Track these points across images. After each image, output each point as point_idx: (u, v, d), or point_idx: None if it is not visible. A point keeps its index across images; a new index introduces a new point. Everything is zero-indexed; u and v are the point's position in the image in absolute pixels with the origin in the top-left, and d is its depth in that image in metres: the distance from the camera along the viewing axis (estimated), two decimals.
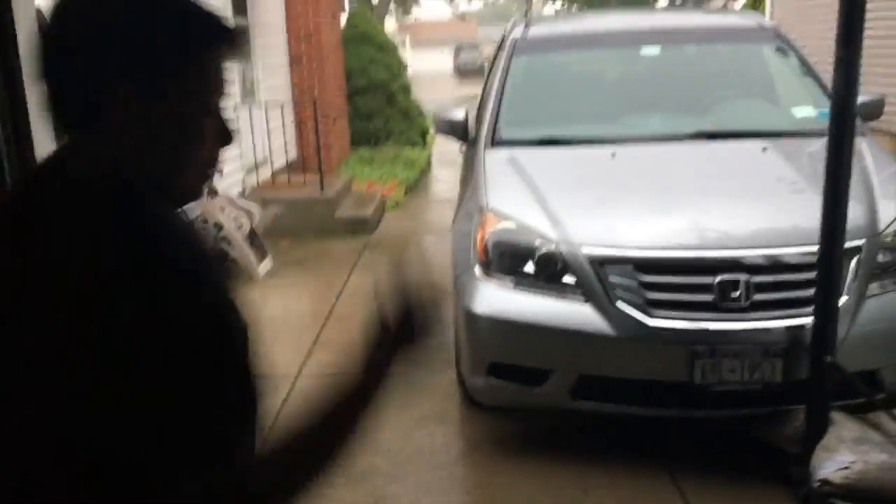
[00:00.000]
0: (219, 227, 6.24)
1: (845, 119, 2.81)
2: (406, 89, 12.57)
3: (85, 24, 0.93)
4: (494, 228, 3.49)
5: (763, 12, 14.38)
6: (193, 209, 6.14)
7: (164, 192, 1.00)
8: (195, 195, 1.06)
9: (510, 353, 3.36)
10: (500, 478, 3.37)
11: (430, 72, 36.49)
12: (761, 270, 3.15)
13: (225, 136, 1.03)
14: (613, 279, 3.19)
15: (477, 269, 3.47)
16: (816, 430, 3.00)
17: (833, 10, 2.88)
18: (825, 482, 2.83)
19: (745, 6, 17.15)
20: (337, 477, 3.41)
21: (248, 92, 8.25)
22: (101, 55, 0.92)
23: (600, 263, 3.22)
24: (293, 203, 7.64)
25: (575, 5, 32.92)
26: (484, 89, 5.03)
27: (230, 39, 0.98)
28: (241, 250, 6.30)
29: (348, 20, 12.42)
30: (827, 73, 3.27)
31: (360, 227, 7.74)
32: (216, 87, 1.00)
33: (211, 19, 0.97)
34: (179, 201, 1.05)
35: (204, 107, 0.98)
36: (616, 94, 4.66)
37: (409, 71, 14.08)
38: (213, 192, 6.47)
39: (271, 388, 3.48)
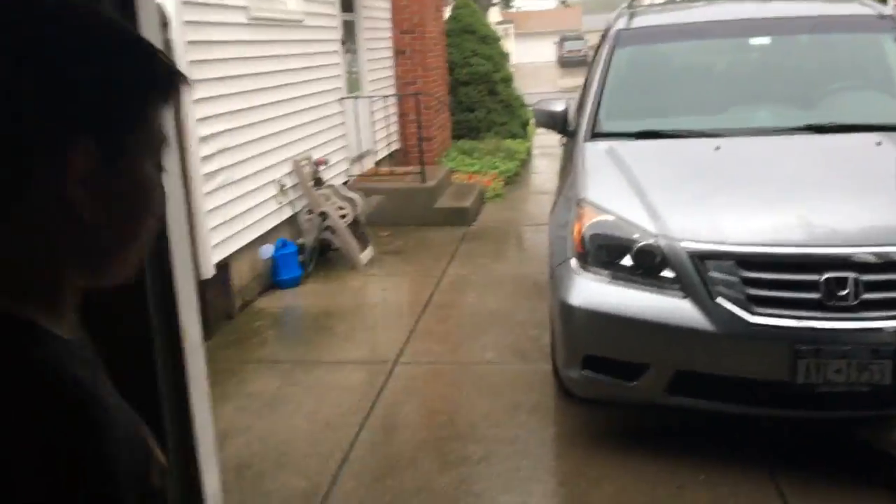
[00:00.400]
0: (324, 215, 6.44)
1: None
2: (508, 81, 12.57)
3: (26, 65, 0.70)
4: (592, 221, 3.49)
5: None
6: (300, 199, 6.37)
7: (97, 278, 0.81)
8: (127, 278, 0.85)
9: (606, 346, 3.35)
10: (592, 470, 3.37)
11: (532, 62, 36.25)
12: (871, 269, 3.04)
13: (164, 200, 0.83)
14: (714, 274, 3.14)
15: (573, 262, 3.48)
16: None
17: None
18: None
19: None
20: (430, 462, 3.50)
21: (353, 85, 8.44)
22: (52, 103, 0.70)
23: (701, 258, 3.18)
24: (394, 193, 7.80)
25: None
26: (586, 81, 5.00)
27: (179, 84, 0.81)
28: (345, 239, 6.49)
29: (452, 13, 12.50)
30: None
31: (460, 217, 7.82)
32: (162, 140, 0.82)
33: (167, 61, 0.80)
34: (109, 284, 0.84)
35: (158, 165, 0.82)
36: (722, 85, 4.55)
37: (512, 62, 14.06)
38: (320, 182, 6.68)
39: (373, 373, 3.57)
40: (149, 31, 2.45)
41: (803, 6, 5.03)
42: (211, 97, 5.14)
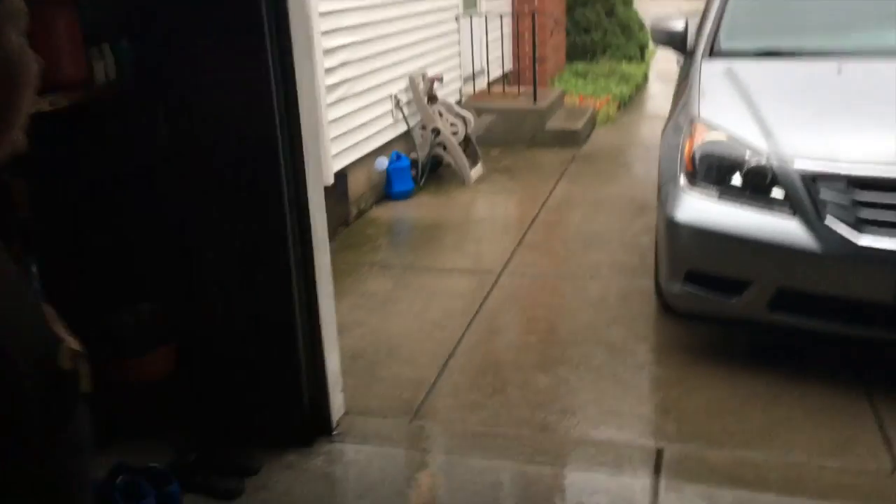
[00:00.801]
0: (436, 132, 6.61)
1: None
2: (628, 2, 12.24)
3: None
4: (704, 139, 3.52)
5: None
6: (414, 114, 6.54)
7: None
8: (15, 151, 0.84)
9: (710, 261, 3.43)
10: (687, 380, 3.50)
11: None
12: None
13: (37, 72, 0.82)
14: (825, 195, 3.15)
15: (682, 179, 3.53)
16: None
17: None
18: None
19: None
20: (531, 362, 3.70)
21: (469, 2, 8.46)
22: None
23: (812, 179, 3.18)
24: (506, 113, 7.87)
25: None
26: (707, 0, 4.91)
27: None
28: (456, 155, 6.66)
29: None
30: None
31: (570, 139, 7.85)
32: (21, 10, 0.81)
33: None
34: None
35: (23, 35, 0.80)
36: (845, 5, 4.39)
37: None
38: (433, 99, 6.83)
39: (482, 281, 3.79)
40: None
41: None
42: (334, 11, 5.32)
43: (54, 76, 2.54)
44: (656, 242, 3.90)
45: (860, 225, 3.08)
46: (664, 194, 3.67)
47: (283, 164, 2.85)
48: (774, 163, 3.28)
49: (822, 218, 3.14)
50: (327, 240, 3.18)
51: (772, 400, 3.30)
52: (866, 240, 3.07)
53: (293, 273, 2.98)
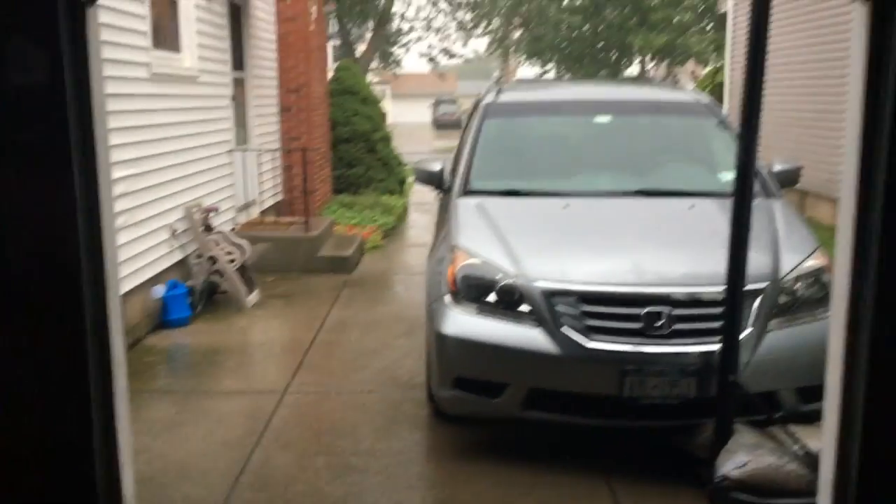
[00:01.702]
0: (213, 260, 6.83)
1: (745, 185, 3.51)
2: (386, 140, 13.30)
3: None
4: (463, 263, 4.14)
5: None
6: (190, 243, 6.74)
7: None
8: None
9: (473, 368, 3.98)
10: (459, 476, 3.95)
11: (409, 123, 37.44)
12: (682, 304, 3.82)
13: None
14: (560, 308, 3.84)
15: (447, 298, 4.10)
16: (722, 438, 3.64)
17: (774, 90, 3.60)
18: (725, 478, 3.46)
19: (702, 82, 18.33)
20: (319, 474, 3.98)
21: (242, 138, 8.90)
22: None
23: (550, 295, 3.87)
24: (280, 241, 8.25)
25: (549, 66, 34.23)
26: (459, 144, 5.72)
27: None
28: (233, 282, 6.89)
29: (336, 74, 13.18)
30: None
31: (341, 265, 8.35)
32: None
33: None
34: None
35: None
36: (571, 154, 5.38)
37: (390, 122, 14.84)
38: (209, 228, 7.07)
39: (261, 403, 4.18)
40: None
41: (641, 92, 5.99)
42: (115, 145, 5.51)
43: None
44: (427, 354, 4.41)
45: (588, 331, 3.79)
46: (432, 311, 4.21)
47: (84, 287, 3.02)
48: (521, 282, 3.94)
49: (559, 327, 3.82)
50: (125, 357, 3.32)
51: (529, 488, 3.83)
52: (593, 343, 3.77)
53: (91, 390, 3.10)
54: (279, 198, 10.02)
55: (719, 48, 19.70)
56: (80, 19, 3.16)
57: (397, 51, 29.86)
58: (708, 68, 24.24)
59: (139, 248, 6.01)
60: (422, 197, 12.18)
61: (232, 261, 6.99)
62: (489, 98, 5.64)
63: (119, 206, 5.63)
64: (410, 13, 31.04)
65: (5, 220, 2.92)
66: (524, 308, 3.92)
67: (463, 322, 3.99)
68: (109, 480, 3.27)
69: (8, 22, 3.03)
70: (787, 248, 4.15)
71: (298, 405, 4.89)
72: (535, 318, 3.88)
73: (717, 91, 15.41)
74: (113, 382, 3.24)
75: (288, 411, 4.78)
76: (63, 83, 3.05)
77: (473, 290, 4.05)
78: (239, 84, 8.88)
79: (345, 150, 12.40)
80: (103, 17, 5.28)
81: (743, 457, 3.50)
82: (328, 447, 4.32)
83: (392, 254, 9.71)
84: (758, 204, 3.86)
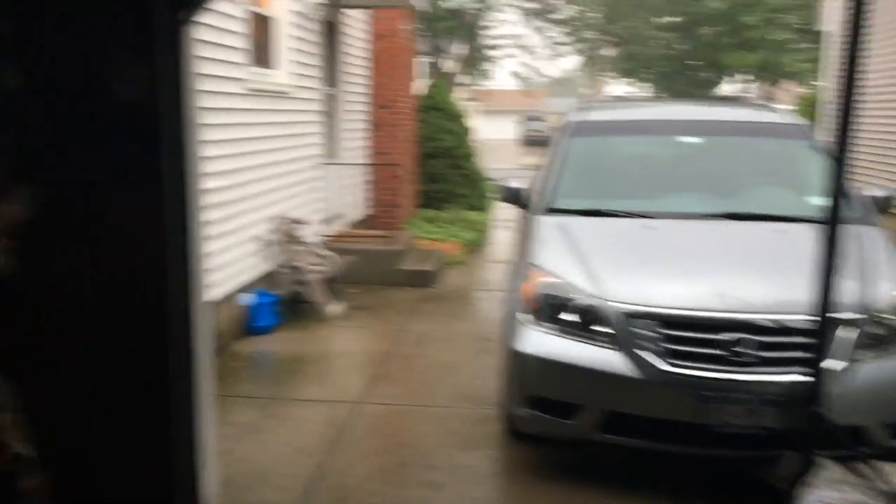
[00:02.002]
0: (299, 270, 7.01)
1: (836, 210, 3.40)
2: (471, 156, 13.39)
3: None
4: (542, 282, 4.14)
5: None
6: (279, 254, 6.93)
7: None
8: None
9: (548, 388, 3.96)
10: (533, 494, 3.94)
11: (496, 139, 37.55)
12: (766, 332, 3.72)
13: None
14: (639, 330, 3.79)
15: (524, 316, 4.10)
16: (804, 471, 3.51)
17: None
18: None
19: (802, 102, 17.77)
20: (392, 484, 4.03)
21: (331, 152, 9.12)
22: None
23: (630, 317, 3.83)
24: (364, 254, 8.40)
25: (639, 84, 33.80)
26: (544, 162, 5.72)
27: None
28: (317, 293, 7.05)
29: (424, 91, 13.37)
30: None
31: (422, 280, 8.45)
32: None
33: None
34: None
35: None
36: (658, 174, 5.31)
37: (476, 138, 14.92)
38: (297, 239, 7.27)
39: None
40: None
41: (731, 112, 5.87)
42: (210, 157, 5.74)
43: None
44: (502, 372, 4.42)
45: (667, 355, 3.73)
46: (509, 328, 4.22)
47: (171, 294, 3.17)
48: (600, 303, 3.91)
49: (637, 349, 3.77)
50: (211, 367, 3.46)
51: None
52: (672, 367, 3.70)
53: (177, 393, 3.24)
54: (365, 211, 10.21)
55: (817, 68, 19.15)
56: (175, 38, 3.31)
57: (486, 66, 30.06)
58: (805, 88, 23.49)
59: (229, 256, 6.23)
60: (505, 213, 12.20)
61: (318, 272, 7.16)
62: (576, 116, 5.63)
63: (210, 215, 5.85)
64: (501, 30, 31.22)
65: (101, 228, 3.08)
66: (602, 329, 3.89)
67: (539, 341, 3.99)
68: (189, 480, 3.39)
69: (108, 41, 3.22)
70: (881, 278, 4.00)
71: (375, 416, 4.97)
72: (613, 339, 3.84)
73: (813, 111, 14.93)
74: (199, 386, 3.36)
75: (365, 421, 4.86)
76: (157, 99, 3.20)
77: (551, 309, 4.04)
78: (330, 99, 9.11)
79: (430, 166, 12.54)
80: (204, 34, 5.52)
81: (827, 492, 3.38)
82: (403, 459, 4.37)
83: (473, 269, 9.75)
84: (851, 230, 3.73)
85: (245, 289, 6.55)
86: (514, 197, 5.38)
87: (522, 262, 4.54)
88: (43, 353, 3.21)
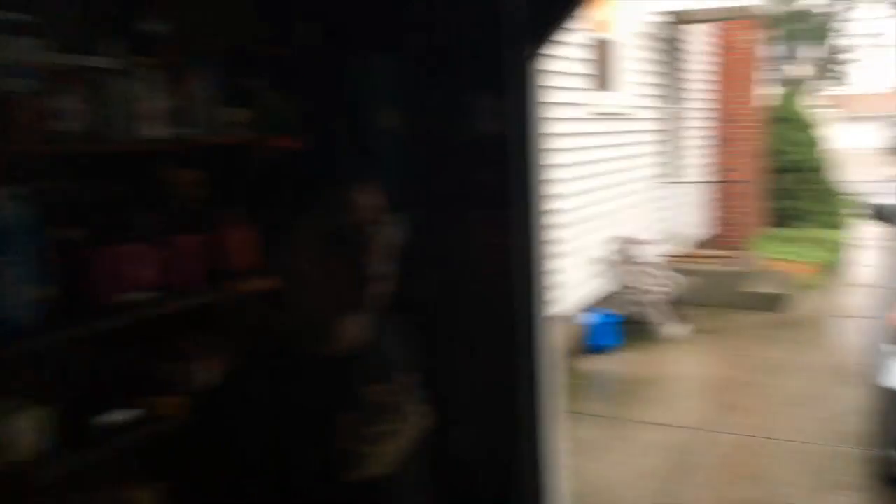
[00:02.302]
0: (642, 291, 6.99)
1: None
2: (824, 169, 12.31)
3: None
4: None
5: None
6: (620, 274, 6.99)
7: None
8: None
9: None
10: None
11: (855, 148, 34.02)
12: None
13: None
14: None
15: (891, 348, 3.68)
16: None
17: None
18: None
19: None
20: None
21: (672, 170, 8.98)
22: None
23: None
24: (707, 275, 8.12)
25: None
26: None
27: None
28: (660, 315, 6.97)
29: (772, 102, 12.59)
30: None
31: (770, 303, 7.93)
32: None
33: None
34: None
35: None
36: None
37: (834, 147, 13.67)
38: (639, 259, 7.26)
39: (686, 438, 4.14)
40: None
41: None
42: (556, 179, 5.98)
43: None
44: (869, 410, 4.00)
45: None
46: (877, 363, 3.81)
47: (517, 312, 3.39)
48: None
49: None
50: (558, 378, 3.62)
51: None
52: None
53: (524, 409, 3.44)
54: (708, 230, 9.88)
55: None
56: (523, 72, 3.54)
57: (842, 69, 27.43)
58: None
59: (569, 275, 6.41)
60: (865, 231, 11.04)
61: (659, 293, 7.07)
62: None
63: (554, 235, 6.08)
64: (860, 27, 28.22)
65: (457, 246, 3.39)
66: None
67: None
68: (538, 486, 3.55)
69: (465, 81, 3.53)
70: None
71: (722, 445, 4.78)
72: None
73: None
74: (545, 397, 3.52)
75: (711, 450, 4.70)
76: (507, 129, 3.44)
77: None
78: (670, 117, 8.98)
79: (778, 181, 11.75)
80: (555, 64, 5.78)
81: None
82: (753, 495, 4.15)
83: (827, 293, 8.92)
84: None
85: (584, 308, 6.69)
86: (881, 214, 4.86)
87: (891, 287, 4.08)
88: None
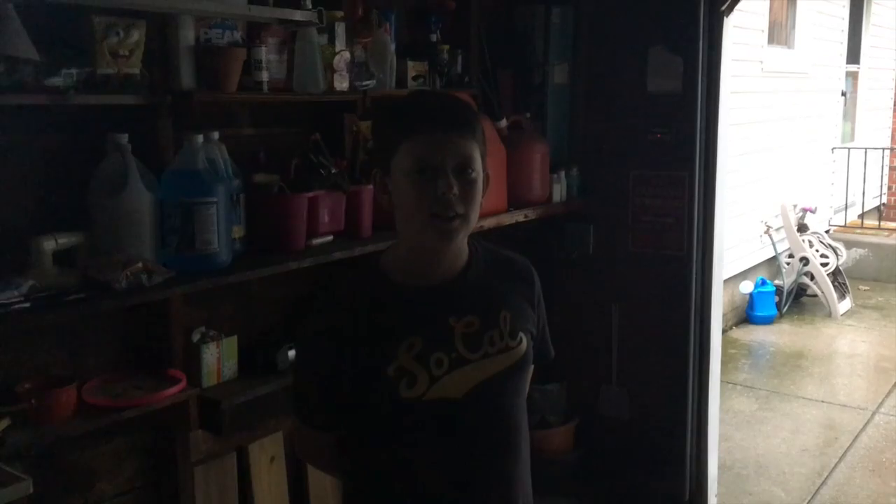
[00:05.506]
0: (804, 261, 6.65)
1: None
2: None
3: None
4: None
5: None
6: (783, 242, 6.67)
7: None
8: None
9: None
10: None
11: None
12: None
13: None
14: None
15: None
16: None
17: None
18: None
19: None
20: None
21: (847, 135, 8.40)
22: None
23: None
24: (878, 248, 7.61)
25: None
26: None
27: None
28: (824, 286, 6.61)
29: None
30: None
31: None
32: None
33: None
34: None
35: None
36: None
37: None
38: (803, 227, 6.89)
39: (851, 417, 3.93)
40: None
41: None
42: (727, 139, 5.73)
43: (529, 196, 3.24)
44: None
45: None
46: None
47: (694, 272, 3.34)
48: None
49: None
50: (720, 342, 3.55)
51: None
52: None
53: (690, 370, 3.39)
54: (881, 200, 9.21)
55: None
56: (716, 28, 3.39)
57: None
58: None
59: (732, 241, 6.16)
60: None
61: (825, 264, 6.70)
62: None
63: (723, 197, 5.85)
64: None
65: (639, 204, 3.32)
66: None
67: None
68: (697, 452, 3.52)
69: (650, 34, 3.42)
70: None
71: (892, 429, 4.52)
72: None
73: None
74: (709, 369, 3.46)
75: (878, 433, 4.46)
76: (696, 89, 3.32)
77: None
78: (850, 77, 8.38)
79: None
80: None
81: None
82: None
83: None
84: None
85: (745, 275, 6.43)
86: None
87: None
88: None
